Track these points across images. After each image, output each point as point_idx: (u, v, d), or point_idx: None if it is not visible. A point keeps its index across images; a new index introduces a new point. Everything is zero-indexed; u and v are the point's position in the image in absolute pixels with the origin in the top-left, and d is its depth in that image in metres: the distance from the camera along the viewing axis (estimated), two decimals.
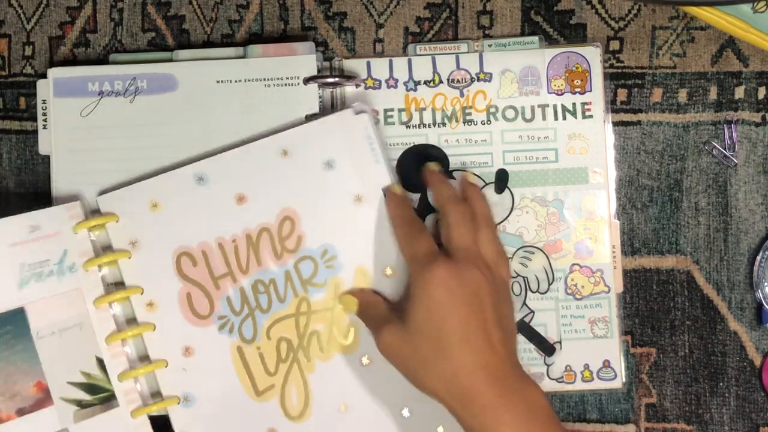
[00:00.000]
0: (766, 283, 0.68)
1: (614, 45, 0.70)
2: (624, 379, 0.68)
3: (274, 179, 0.66)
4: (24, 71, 0.73)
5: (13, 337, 0.63)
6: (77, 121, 0.69)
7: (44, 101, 0.70)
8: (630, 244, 0.70)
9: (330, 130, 0.66)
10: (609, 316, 0.68)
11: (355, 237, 0.66)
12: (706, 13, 0.64)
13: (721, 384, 0.69)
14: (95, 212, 0.67)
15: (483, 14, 0.71)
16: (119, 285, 0.67)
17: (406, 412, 0.65)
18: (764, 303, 0.68)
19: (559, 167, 0.69)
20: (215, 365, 0.66)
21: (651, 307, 0.69)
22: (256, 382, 0.66)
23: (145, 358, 0.66)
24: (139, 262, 0.66)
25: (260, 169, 0.66)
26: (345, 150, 0.66)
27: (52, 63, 0.72)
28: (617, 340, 0.68)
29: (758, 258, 0.68)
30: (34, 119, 0.72)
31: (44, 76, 0.70)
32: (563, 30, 0.70)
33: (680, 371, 0.69)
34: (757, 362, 0.69)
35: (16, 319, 0.64)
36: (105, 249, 0.67)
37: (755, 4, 0.63)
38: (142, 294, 0.66)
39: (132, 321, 0.66)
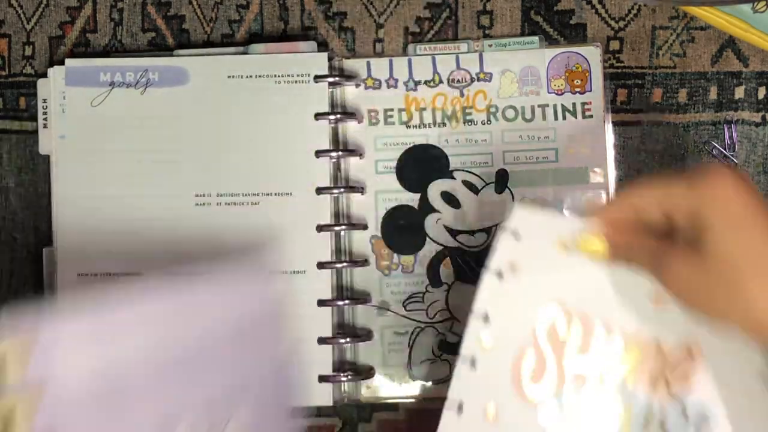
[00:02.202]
0: None
1: (614, 45, 0.70)
2: None
3: None
4: (24, 71, 0.73)
5: None
6: (88, 110, 0.69)
7: (45, 101, 0.70)
8: None
9: None
10: None
11: (747, 418, 0.51)
12: (706, 13, 0.64)
13: None
14: None
15: (483, 14, 0.71)
16: None
17: None
18: None
19: (559, 167, 0.69)
20: None
21: None
22: None
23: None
24: (504, 288, 0.54)
25: None
26: None
27: (53, 63, 0.72)
28: None
29: None
30: (34, 119, 0.72)
31: (45, 75, 0.70)
32: (563, 30, 0.70)
33: None
34: None
35: None
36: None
37: (755, 4, 0.63)
38: (485, 322, 0.54)
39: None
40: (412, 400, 0.70)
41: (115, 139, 0.70)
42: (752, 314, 0.46)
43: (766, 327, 0.46)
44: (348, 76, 0.69)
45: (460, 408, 0.53)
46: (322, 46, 0.71)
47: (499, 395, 0.53)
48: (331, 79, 0.69)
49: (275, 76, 0.69)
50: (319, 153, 0.69)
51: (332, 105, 0.69)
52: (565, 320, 0.53)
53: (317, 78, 0.69)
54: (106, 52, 0.72)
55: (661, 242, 0.50)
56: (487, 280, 0.54)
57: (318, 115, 0.69)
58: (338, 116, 0.69)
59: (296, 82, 0.69)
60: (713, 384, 0.51)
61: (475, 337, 0.53)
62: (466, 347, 0.54)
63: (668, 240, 0.50)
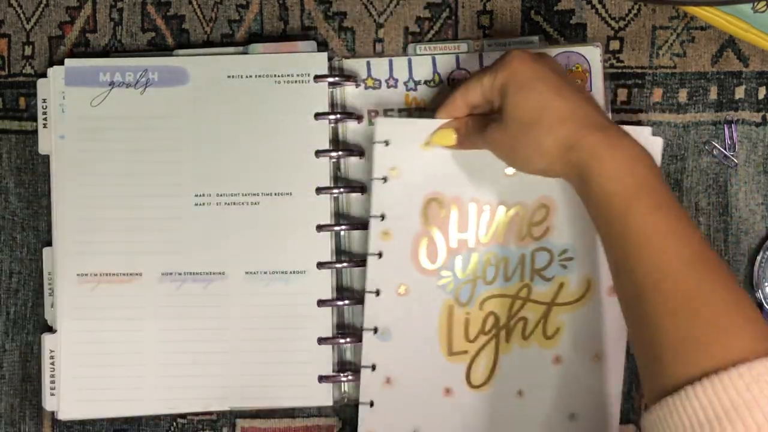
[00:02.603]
0: (766, 283, 0.68)
1: (614, 45, 0.70)
2: (624, 380, 0.68)
3: None
4: (24, 71, 0.73)
5: None
6: (88, 110, 0.69)
7: (44, 100, 0.70)
8: None
9: None
10: None
11: (595, 248, 0.65)
12: (706, 13, 0.64)
13: None
14: None
15: (483, 14, 0.71)
16: None
17: (572, 415, 0.66)
18: (765, 303, 0.68)
19: None
20: (423, 314, 0.66)
21: None
22: (452, 343, 0.66)
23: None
24: (391, 190, 0.66)
25: None
26: None
27: (52, 63, 0.72)
28: None
29: (758, 258, 0.68)
30: (34, 119, 0.72)
31: (44, 75, 0.70)
32: (563, 30, 0.70)
33: None
34: None
35: None
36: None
37: (755, 4, 0.63)
38: (382, 220, 0.66)
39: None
40: None
41: (115, 139, 0.70)
42: (544, 159, 0.57)
43: (555, 169, 0.57)
44: (348, 76, 0.69)
45: (377, 293, 0.66)
46: (322, 46, 0.71)
47: (404, 275, 0.66)
48: (331, 79, 0.69)
49: (275, 76, 0.69)
50: (319, 153, 0.69)
51: (332, 105, 0.69)
52: (443, 205, 0.66)
53: (317, 78, 0.69)
54: (105, 52, 0.72)
55: (486, 121, 0.61)
56: (376, 187, 0.66)
57: (318, 115, 0.69)
58: (338, 116, 0.69)
59: (296, 82, 0.69)
60: (568, 228, 0.65)
61: (377, 234, 0.66)
62: (372, 244, 0.66)
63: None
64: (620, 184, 0.54)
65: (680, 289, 0.51)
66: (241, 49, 0.70)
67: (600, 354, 0.66)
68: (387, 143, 0.66)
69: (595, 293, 0.66)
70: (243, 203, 0.69)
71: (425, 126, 0.65)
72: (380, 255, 0.66)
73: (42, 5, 0.73)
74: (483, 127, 0.61)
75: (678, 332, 0.50)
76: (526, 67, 0.58)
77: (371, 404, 0.66)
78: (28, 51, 0.73)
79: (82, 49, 0.73)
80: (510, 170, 0.65)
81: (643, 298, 0.52)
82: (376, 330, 0.66)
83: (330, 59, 0.70)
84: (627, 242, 0.53)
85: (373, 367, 0.66)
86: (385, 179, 0.66)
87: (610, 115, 0.69)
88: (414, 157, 0.66)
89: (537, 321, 0.66)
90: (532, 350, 0.66)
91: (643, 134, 0.63)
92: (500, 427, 0.66)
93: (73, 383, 0.69)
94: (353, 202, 0.70)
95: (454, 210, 0.66)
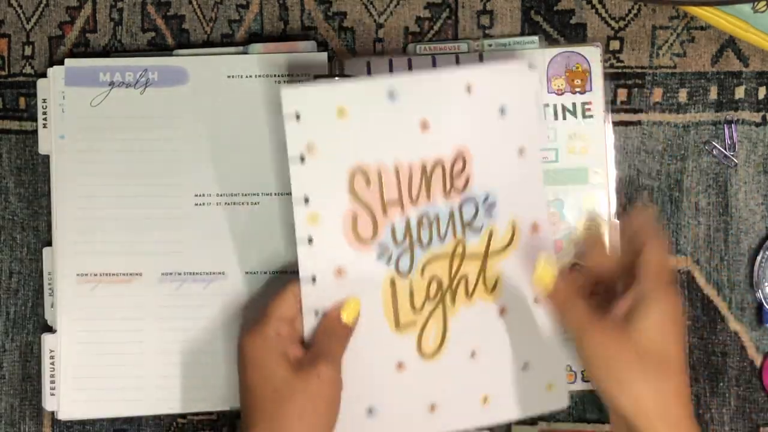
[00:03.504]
0: (766, 283, 0.68)
1: (614, 45, 0.70)
2: None
3: (456, 113, 0.62)
4: (24, 71, 0.73)
5: None
6: (87, 110, 0.69)
7: (44, 100, 0.70)
8: None
9: (507, 76, 0.64)
10: None
11: (513, 189, 0.64)
12: (706, 13, 0.64)
13: (721, 384, 0.69)
14: None
15: (483, 14, 0.71)
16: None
17: (524, 365, 0.66)
18: (765, 303, 0.68)
19: (559, 167, 0.69)
20: (365, 291, 0.63)
21: None
22: (399, 316, 0.64)
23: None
24: (310, 169, 0.61)
25: (446, 99, 0.62)
26: (517, 100, 0.63)
27: (52, 63, 0.72)
28: None
29: (758, 258, 0.68)
30: (34, 119, 0.72)
31: (44, 75, 0.70)
32: (563, 30, 0.70)
33: None
34: (758, 362, 0.69)
35: None
36: None
37: (755, 4, 0.63)
38: (306, 203, 0.61)
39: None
40: None
41: (115, 138, 0.69)
42: (632, 405, 0.55)
43: (640, 421, 0.55)
44: (348, 76, 0.69)
45: (313, 279, 0.62)
46: (322, 46, 0.71)
47: (340, 256, 0.62)
48: (330, 79, 0.69)
49: (275, 76, 0.69)
50: None
51: None
52: (368, 176, 0.61)
53: (317, 78, 0.69)
54: (105, 52, 0.72)
55: (592, 309, 0.59)
56: (294, 168, 0.60)
57: None
58: None
59: (296, 82, 0.69)
60: (485, 174, 0.64)
61: (303, 219, 0.61)
62: (299, 230, 0.61)
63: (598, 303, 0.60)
64: None
65: None
66: (241, 49, 0.70)
67: (539, 296, 0.65)
68: (298, 117, 0.60)
69: (521, 235, 0.65)
70: (243, 203, 0.69)
71: (335, 90, 0.61)
72: (310, 240, 0.61)
73: (42, 5, 0.73)
74: (584, 322, 0.58)
75: None
76: (679, 308, 0.58)
77: None
78: (28, 51, 0.73)
79: (82, 49, 0.73)
80: (422, 125, 0.62)
81: None
82: (317, 313, 0.62)
83: (330, 59, 0.70)
84: None
85: None
86: (302, 159, 0.60)
87: (610, 115, 0.69)
88: (330, 128, 0.60)
89: (477, 276, 0.64)
90: (477, 307, 0.65)
91: (523, 69, 0.64)
92: (457, 392, 0.65)
93: (73, 383, 0.69)
94: None
95: (379, 178, 0.62)
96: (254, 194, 0.69)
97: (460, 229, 0.64)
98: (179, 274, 0.69)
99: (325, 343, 0.61)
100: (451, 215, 0.64)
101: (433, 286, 0.64)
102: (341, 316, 0.62)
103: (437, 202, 0.63)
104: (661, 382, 0.55)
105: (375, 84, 0.61)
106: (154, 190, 0.69)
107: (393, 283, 0.63)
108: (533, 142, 0.64)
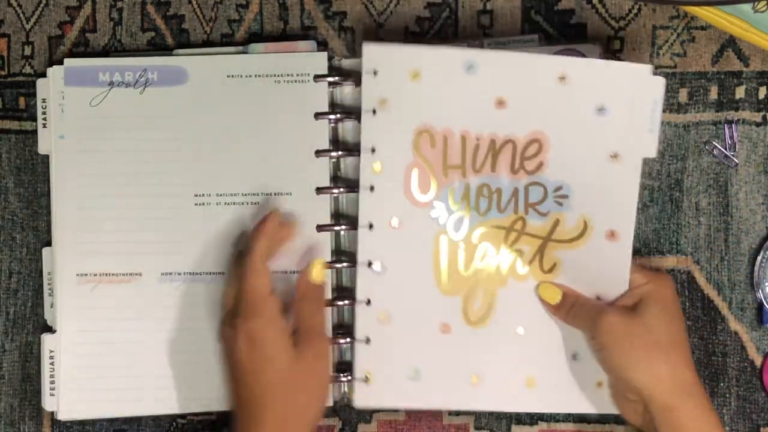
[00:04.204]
0: (766, 283, 0.68)
1: (614, 45, 0.70)
2: None
3: (541, 99, 0.64)
4: (23, 71, 0.73)
5: None
6: (87, 110, 0.69)
7: (44, 100, 0.70)
8: None
9: (618, 76, 0.64)
10: None
11: (595, 190, 0.65)
12: (706, 13, 0.64)
13: (721, 384, 0.69)
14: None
15: (483, 14, 0.71)
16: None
17: (575, 356, 0.66)
18: (765, 303, 0.68)
19: None
20: (417, 246, 0.66)
21: None
22: (447, 277, 0.66)
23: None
24: (380, 122, 0.65)
25: (531, 83, 0.64)
26: (624, 104, 0.63)
27: (52, 63, 0.72)
28: None
29: (759, 258, 0.68)
30: (34, 119, 0.72)
31: (44, 75, 0.70)
32: (563, 30, 0.70)
33: None
34: (758, 362, 0.69)
35: None
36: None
37: (755, 4, 0.63)
38: (373, 153, 0.65)
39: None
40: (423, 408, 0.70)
41: (115, 138, 0.69)
42: (650, 379, 0.60)
43: (657, 391, 0.60)
44: (348, 75, 0.69)
45: (370, 226, 0.66)
46: (322, 46, 0.71)
47: (397, 208, 0.65)
48: (330, 79, 0.69)
49: (275, 75, 0.69)
50: (318, 153, 0.69)
51: (332, 105, 0.69)
52: (433, 137, 0.65)
53: (317, 78, 0.69)
54: (105, 52, 0.72)
55: (598, 302, 0.65)
56: (366, 119, 0.65)
57: (318, 115, 0.69)
58: (338, 116, 0.69)
59: (296, 81, 0.69)
60: (561, 166, 0.65)
61: (368, 168, 0.65)
62: (364, 177, 0.66)
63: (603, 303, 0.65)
64: None
65: None
66: (241, 48, 0.70)
67: (601, 297, 0.65)
68: (375, 73, 0.64)
69: (593, 235, 0.65)
70: (243, 203, 0.69)
71: (413, 53, 0.64)
72: (372, 188, 0.65)
73: (42, 5, 0.73)
74: (592, 306, 0.64)
75: None
76: (676, 299, 0.65)
77: (367, 341, 0.66)
78: (27, 51, 0.73)
79: (82, 49, 0.73)
80: (498, 102, 0.64)
81: None
82: (370, 264, 0.66)
83: (330, 59, 0.70)
84: None
85: (368, 302, 0.66)
86: (374, 111, 0.65)
87: None
88: (403, 88, 0.64)
89: (533, 254, 0.65)
90: (529, 284, 0.66)
91: (643, 73, 0.63)
92: (501, 367, 0.66)
93: (72, 384, 0.68)
94: (353, 202, 0.69)
95: (444, 142, 0.65)
96: (254, 194, 0.69)
97: (523, 207, 0.65)
98: (179, 274, 0.69)
99: (305, 312, 0.65)
100: (515, 192, 0.65)
101: (485, 254, 0.66)
102: (310, 276, 0.66)
103: (501, 176, 0.65)
104: (672, 354, 0.61)
105: (453, 55, 0.64)
106: (154, 189, 0.69)
107: (444, 244, 0.66)
108: (633, 151, 0.64)
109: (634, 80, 0.63)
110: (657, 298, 0.63)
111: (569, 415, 0.69)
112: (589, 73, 0.63)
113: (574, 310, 0.64)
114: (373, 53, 0.64)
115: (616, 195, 0.65)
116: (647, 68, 0.63)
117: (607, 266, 0.65)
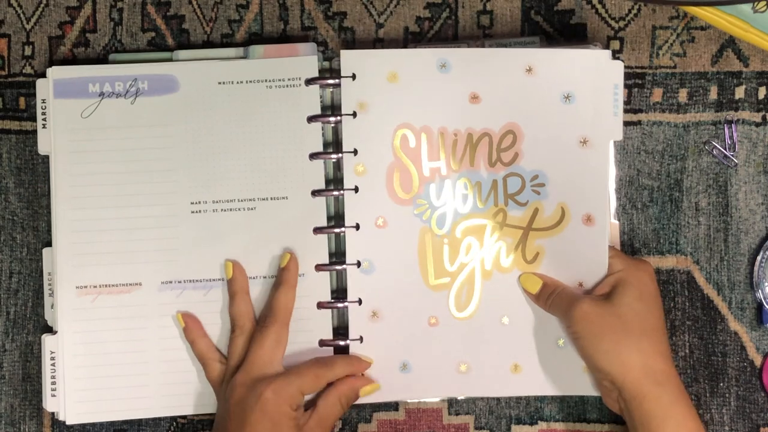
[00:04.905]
0: (766, 283, 0.68)
1: (614, 45, 0.70)
2: None
3: (510, 91, 0.66)
4: (24, 71, 0.73)
5: None
6: (78, 122, 0.69)
7: (44, 101, 0.70)
8: (630, 244, 0.70)
9: (580, 63, 0.66)
10: None
11: (568, 176, 0.67)
12: (706, 13, 0.64)
13: (721, 384, 0.69)
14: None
15: (483, 14, 0.71)
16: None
17: (561, 342, 0.67)
18: (764, 303, 0.68)
19: None
20: (402, 244, 0.68)
21: None
22: (433, 271, 0.67)
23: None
24: (360, 124, 0.67)
25: (501, 77, 0.66)
26: (588, 90, 0.66)
27: (52, 63, 0.72)
28: None
29: (758, 258, 0.68)
30: (34, 119, 0.72)
31: (44, 75, 0.70)
32: (563, 30, 0.70)
33: (680, 371, 0.69)
34: (758, 362, 0.69)
35: None
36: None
37: (755, 4, 0.63)
38: (355, 155, 0.67)
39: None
40: (413, 400, 0.70)
41: (107, 149, 0.69)
42: (649, 366, 0.60)
43: (628, 380, 0.60)
44: (338, 72, 0.69)
45: (357, 227, 0.68)
46: (322, 46, 0.71)
47: (381, 207, 0.67)
48: (321, 81, 0.68)
49: (266, 81, 0.69)
50: (312, 156, 0.68)
51: (331, 105, 0.69)
52: (413, 135, 0.67)
53: (308, 81, 0.68)
54: (105, 52, 0.72)
55: (574, 291, 0.66)
56: (346, 122, 0.67)
57: (310, 118, 0.68)
58: (332, 118, 0.68)
59: (287, 86, 0.69)
60: (537, 154, 0.67)
61: (351, 169, 0.68)
62: (347, 179, 0.68)
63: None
64: None
65: None
66: (241, 50, 0.70)
67: (583, 282, 0.67)
68: (354, 77, 0.67)
69: (571, 221, 0.67)
70: (239, 209, 0.69)
71: (389, 55, 0.67)
72: (356, 189, 0.68)
73: (42, 5, 0.73)
74: (570, 294, 0.65)
75: None
76: (654, 286, 0.64)
77: (360, 340, 0.68)
78: (28, 51, 0.73)
79: (82, 49, 0.73)
80: (472, 97, 0.67)
81: None
82: (359, 264, 0.68)
83: (330, 59, 0.70)
84: None
85: (360, 301, 0.68)
86: (354, 114, 0.67)
87: None
88: (381, 90, 0.67)
89: (515, 245, 0.67)
90: (513, 275, 0.67)
91: (602, 59, 0.65)
92: (488, 356, 0.68)
93: (77, 396, 0.68)
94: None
95: (424, 139, 0.67)
96: (250, 199, 0.69)
97: (503, 198, 0.67)
98: (179, 282, 0.69)
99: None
100: (494, 184, 0.67)
101: (469, 247, 0.68)
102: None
103: (480, 170, 0.67)
104: (643, 343, 0.61)
105: (426, 55, 0.66)
106: (150, 199, 0.69)
107: (428, 240, 0.68)
108: (601, 135, 0.66)
109: (595, 66, 0.65)
110: (632, 285, 0.63)
111: (569, 414, 0.69)
112: (552, 62, 0.66)
113: (552, 299, 0.66)
114: (351, 58, 0.67)
115: (588, 179, 0.66)
116: (606, 53, 0.65)
117: (586, 251, 0.66)
